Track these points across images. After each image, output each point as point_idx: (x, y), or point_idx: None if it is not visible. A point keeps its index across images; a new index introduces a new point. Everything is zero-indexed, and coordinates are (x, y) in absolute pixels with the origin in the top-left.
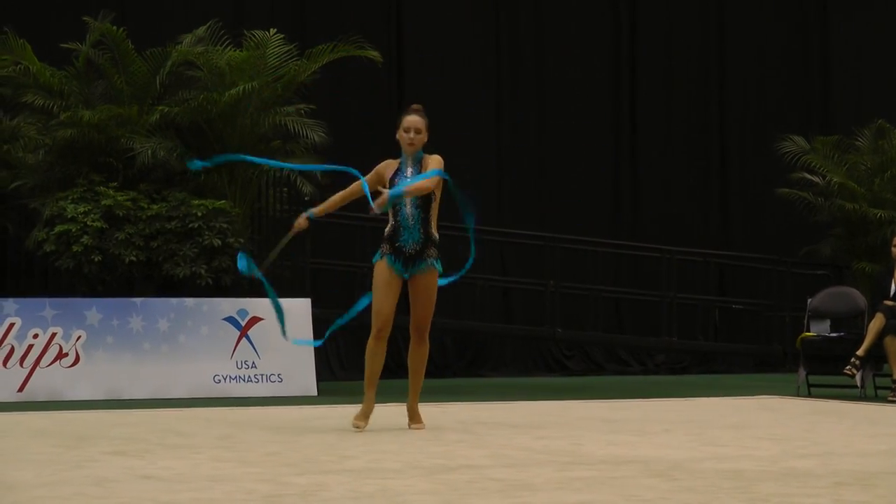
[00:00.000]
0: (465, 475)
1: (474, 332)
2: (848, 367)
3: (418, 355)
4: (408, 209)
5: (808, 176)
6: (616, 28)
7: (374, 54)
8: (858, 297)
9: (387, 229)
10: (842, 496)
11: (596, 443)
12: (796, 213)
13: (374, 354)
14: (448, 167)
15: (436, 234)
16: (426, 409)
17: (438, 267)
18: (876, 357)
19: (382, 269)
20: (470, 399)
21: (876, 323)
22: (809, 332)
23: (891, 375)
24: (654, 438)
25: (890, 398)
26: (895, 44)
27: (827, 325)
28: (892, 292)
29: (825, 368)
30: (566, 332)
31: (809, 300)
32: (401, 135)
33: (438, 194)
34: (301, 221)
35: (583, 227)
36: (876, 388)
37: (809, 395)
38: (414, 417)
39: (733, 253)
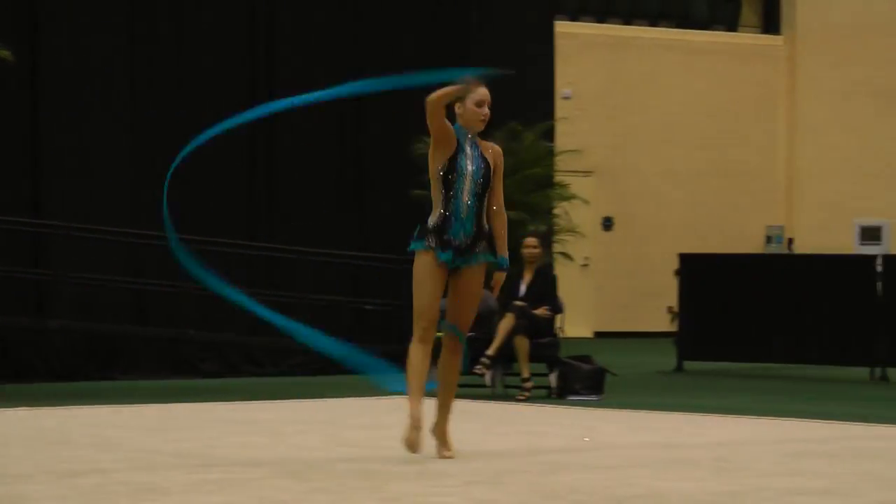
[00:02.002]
0: (93, 479)
1: (105, 333)
2: (478, 367)
3: (453, 365)
4: (464, 199)
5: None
6: (252, 24)
7: (5, 53)
8: (490, 298)
9: (433, 219)
10: (473, 494)
11: (230, 445)
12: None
13: (422, 361)
14: (83, 170)
15: (487, 226)
16: (58, 413)
17: (490, 259)
18: (506, 356)
19: (427, 260)
20: (101, 402)
21: (506, 323)
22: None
23: (520, 374)
24: (288, 439)
25: (519, 397)
26: (526, 49)
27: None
28: (522, 293)
29: None
30: (200, 333)
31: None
32: (470, 108)
33: (498, 186)
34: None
35: (217, 227)
36: (506, 387)
37: None
38: (445, 443)
39: (368, 254)
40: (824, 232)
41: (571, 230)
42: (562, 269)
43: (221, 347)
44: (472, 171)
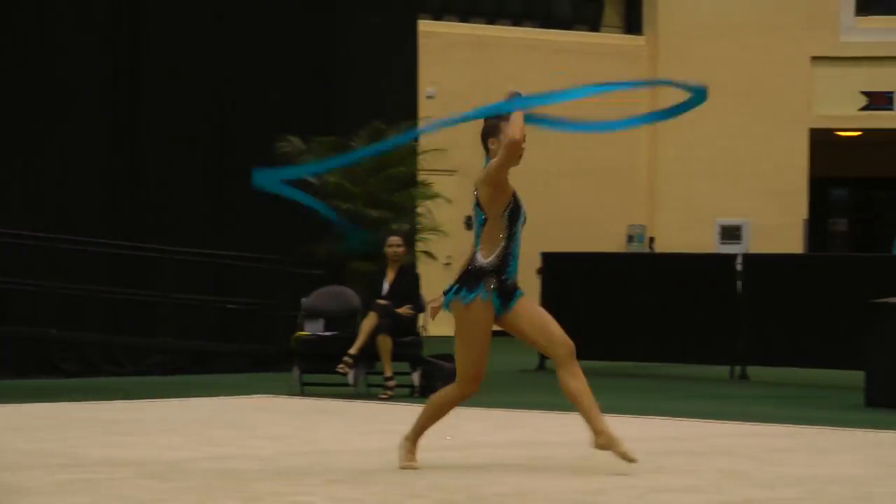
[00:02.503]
0: None
1: None
2: (341, 366)
3: (581, 376)
4: (520, 233)
5: (305, 176)
6: (117, 19)
7: None
8: (352, 297)
9: (488, 259)
10: (335, 493)
11: (92, 445)
12: (294, 213)
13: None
14: None
15: None
16: None
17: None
18: (369, 355)
19: (483, 314)
20: None
21: (369, 322)
22: (304, 331)
23: (383, 373)
24: (151, 439)
25: (382, 396)
26: (389, 48)
27: (321, 324)
28: (385, 291)
29: (319, 367)
30: (60, 332)
31: (303, 300)
32: (518, 142)
33: None
34: None
35: (78, 225)
36: (368, 385)
37: (304, 394)
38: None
39: (232, 252)
40: (685, 231)
41: (434, 229)
42: (425, 268)
43: (82, 347)
44: (524, 212)
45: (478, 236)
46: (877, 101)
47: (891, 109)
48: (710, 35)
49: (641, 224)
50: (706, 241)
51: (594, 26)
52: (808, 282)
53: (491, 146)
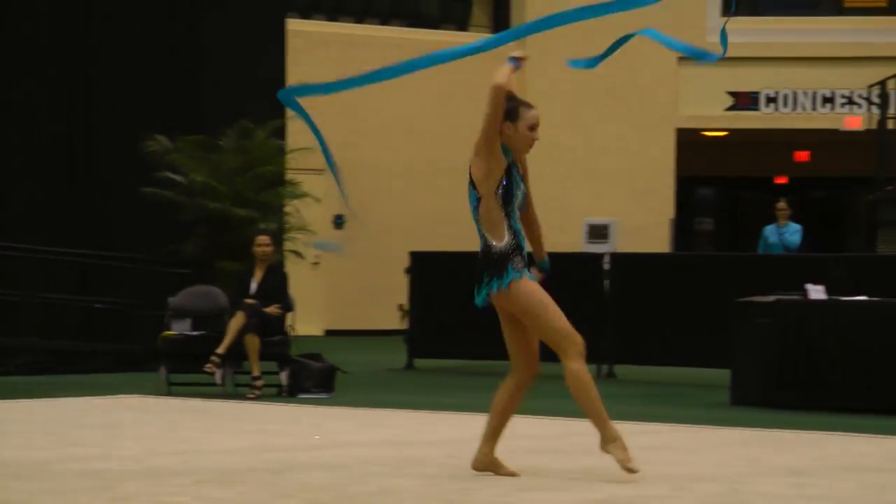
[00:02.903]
0: None
1: None
2: (208, 365)
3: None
4: (516, 212)
5: (172, 175)
6: None
7: None
8: (220, 296)
9: (504, 242)
10: (204, 493)
11: None
12: (161, 211)
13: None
14: None
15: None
16: None
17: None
18: (236, 354)
19: (531, 284)
20: None
21: (237, 321)
22: (171, 330)
23: (250, 373)
24: (13, 440)
25: (250, 395)
26: (257, 47)
27: (188, 323)
28: (253, 291)
29: (187, 366)
30: None
31: (170, 299)
32: (523, 131)
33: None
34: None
35: None
36: (236, 385)
37: (171, 394)
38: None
39: (98, 251)
40: (553, 230)
41: (303, 228)
42: (293, 268)
43: None
44: (521, 188)
45: (477, 221)
46: (742, 101)
47: (756, 110)
48: (579, 35)
49: None
50: (574, 240)
51: (462, 26)
52: (675, 281)
53: (505, 130)
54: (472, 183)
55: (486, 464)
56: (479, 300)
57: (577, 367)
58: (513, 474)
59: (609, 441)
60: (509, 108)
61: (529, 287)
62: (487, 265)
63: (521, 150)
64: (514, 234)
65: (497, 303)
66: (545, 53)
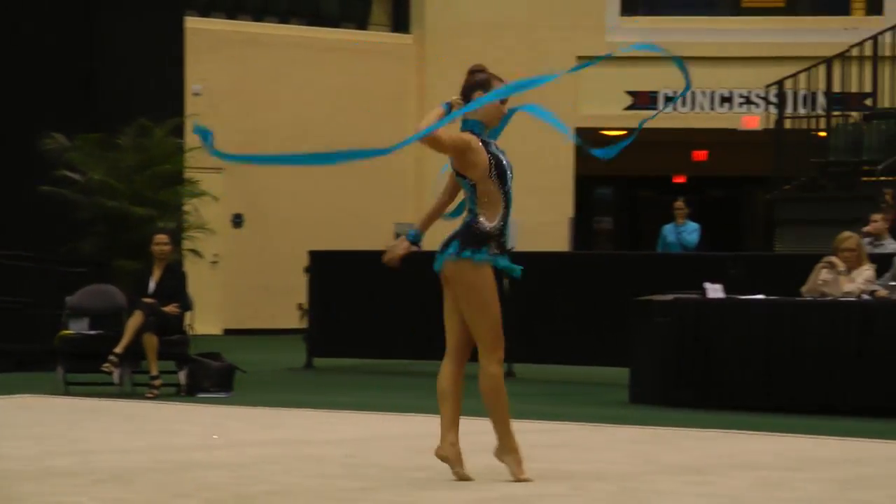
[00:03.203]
0: None
1: None
2: (106, 364)
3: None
4: (511, 191)
5: (70, 174)
6: None
7: None
8: (118, 295)
9: (494, 223)
10: (102, 493)
11: None
12: (59, 210)
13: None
14: None
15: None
16: None
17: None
18: (134, 354)
19: (491, 275)
20: None
21: (134, 320)
22: (68, 329)
23: (149, 372)
24: None
25: (148, 395)
26: (156, 45)
27: (86, 322)
28: (151, 290)
29: (84, 366)
30: None
31: (68, 298)
32: (496, 105)
33: None
34: (401, 249)
35: None
36: (134, 384)
37: (69, 394)
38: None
39: None
40: (451, 229)
41: (201, 227)
42: (191, 266)
43: None
44: (507, 162)
45: (472, 201)
46: (642, 100)
47: (655, 109)
48: (478, 34)
49: (409, 222)
50: None
51: (362, 24)
52: (574, 280)
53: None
54: (457, 172)
55: (454, 454)
56: (438, 265)
57: (497, 371)
58: (466, 478)
59: (507, 452)
60: (481, 79)
61: (492, 277)
62: (466, 236)
63: (490, 122)
64: (505, 220)
65: (453, 273)
66: (444, 50)
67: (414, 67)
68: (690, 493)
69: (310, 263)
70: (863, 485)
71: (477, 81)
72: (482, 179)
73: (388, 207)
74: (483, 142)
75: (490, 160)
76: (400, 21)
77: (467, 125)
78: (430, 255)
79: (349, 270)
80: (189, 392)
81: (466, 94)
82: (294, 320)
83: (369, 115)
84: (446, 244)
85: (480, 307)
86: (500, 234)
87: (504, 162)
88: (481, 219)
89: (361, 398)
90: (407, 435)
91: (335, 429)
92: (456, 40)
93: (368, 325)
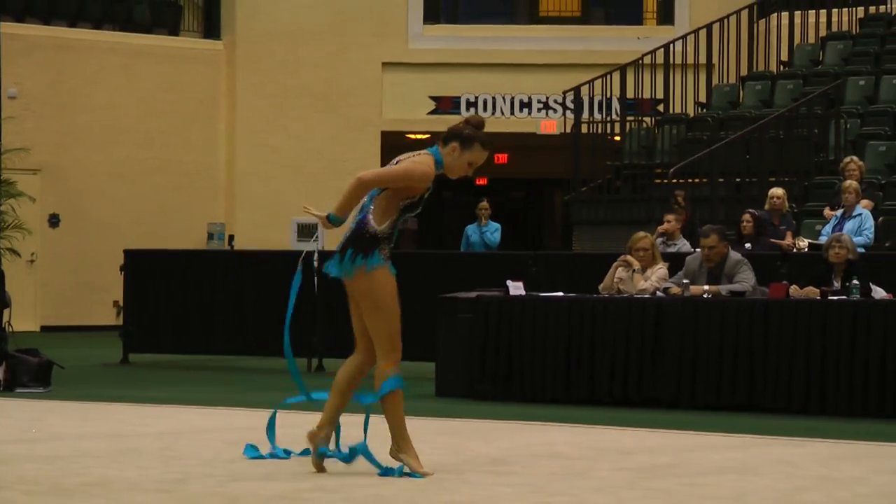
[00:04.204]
0: None
1: None
2: None
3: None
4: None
5: None
6: None
7: None
8: None
9: (383, 227)
10: None
11: None
12: None
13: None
14: None
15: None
16: None
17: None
18: None
19: (389, 277)
20: None
21: None
22: None
23: None
24: None
25: None
26: None
27: None
28: None
29: None
30: None
31: None
32: (462, 163)
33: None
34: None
35: None
36: None
37: None
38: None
39: None
40: (263, 229)
41: (18, 227)
42: (8, 265)
43: None
44: (418, 212)
45: (371, 198)
46: (444, 105)
47: (458, 113)
48: (287, 41)
49: (221, 222)
50: (284, 239)
51: (174, 31)
52: None
53: (451, 149)
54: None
55: (324, 442)
56: (334, 271)
57: (392, 374)
58: (321, 469)
59: (402, 450)
60: (468, 135)
61: (388, 279)
62: (356, 242)
63: (450, 175)
64: (394, 226)
65: (350, 282)
66: (254, 56)
67: (224, 72)
68: (496, 482)
69: (125, 262)
70: (659, 473)
71: (459, 135)
72: (396, 194)
73: (200, 208)
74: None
75: (416, 199)
76: (211, 28)
77: (435, 155)
78: (243, 254)
79: (163, 269)
80: (7, 387)
81: (448, 138)
82: (110, 317)
83: (181, 118)
84: (342, 251)
85: (375, 310)
86: (390, 238)
87: (416, 212)
88: (371, 222)
89: (176, 392)
90: (221, 428)
91: (151, 422)
92: (264, 46)
93: (182, 321)
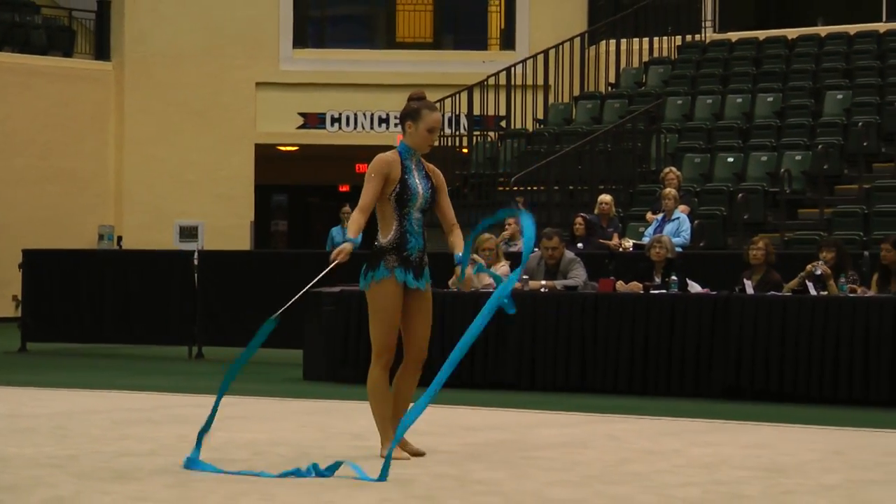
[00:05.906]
0: None
1: None
2: None
3: (413, 383)
4: (415, 216)
5: None
6: None
7: None
8: None
9: (388, 238)
10: None
11: None
12: None
13: (386, 390)
14: None
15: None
16: None
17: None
18: None
19: (389, 289)
20: None
21: None
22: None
23: None
24: None
25: None
26: None
27: None
28: None
29: None
30: None
31: None
32: (423, 132)
33: (446, 203)
34: (346, 251)
35: None
36: None
37: None
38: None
39: None
40: (149, 231)
41: None
42: None
43: None
44: (422, 189)
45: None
46: (311, 121)
47: (323, 128)
48: (170, 62)
49: (111, 224)
50: (167, 240)
51: (67, 52)
52: (255, 275)
53: (408, 129)
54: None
55: (409, 448)
56: (361, 285)
57: (377, 374)
58: (419, 453)
59: (384, 443)
60: (413, 108)
61: (386, 290)
62: (368, 258)
63: (420, 150)
64: (402, 234)
65: (366, 294)
66: (140, 76)
67: (113, 91)
68: (357, 455)
69: (23, 260)
70: (501, 447)
71: (407, 112)
72: (383, 200)
73: (92, 212)
74: (403, 166)
75: (397, 187)
76: (101, 50)
77: (399, 148)
78: (131, 253)
79: (58, 266)
80: None
81: (402, 121)
82: (10, 310)
83: (74, 131)
84: (363, 269)
85: (371, 315)
86: (399, 247)
87: (413, 188)
88: (378, 236)
89: (70, 377)
90: (110, 409)
91: (46, 404)
92: (149, 68)
93: (75, 313)
